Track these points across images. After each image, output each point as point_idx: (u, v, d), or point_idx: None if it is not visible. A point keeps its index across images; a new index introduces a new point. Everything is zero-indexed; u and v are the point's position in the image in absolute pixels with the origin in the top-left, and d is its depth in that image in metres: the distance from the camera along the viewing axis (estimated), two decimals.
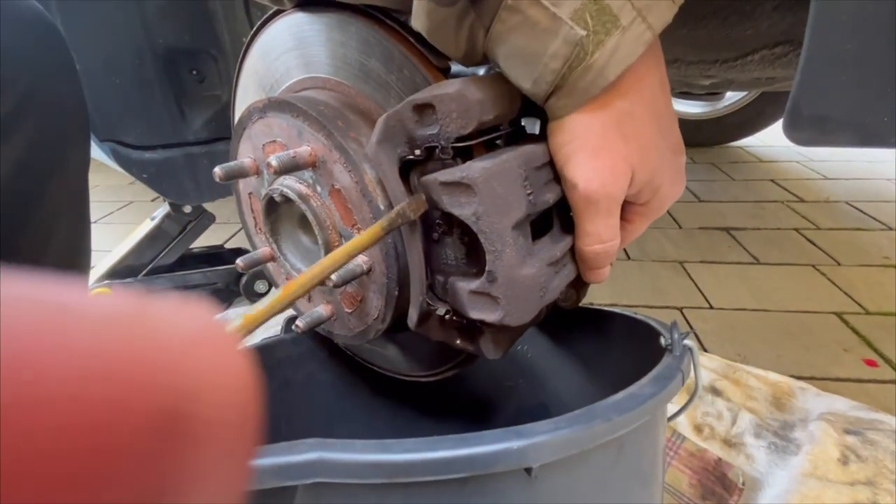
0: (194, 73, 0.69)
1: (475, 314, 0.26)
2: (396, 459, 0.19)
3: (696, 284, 0.95)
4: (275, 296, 0.22)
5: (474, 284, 0.25)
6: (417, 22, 0.24)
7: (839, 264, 1.00)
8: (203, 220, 0.88)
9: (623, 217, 0.29)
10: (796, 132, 0.36)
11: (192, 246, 0.92)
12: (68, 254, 0.42)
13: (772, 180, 1.46)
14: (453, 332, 0.31)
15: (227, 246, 1.05)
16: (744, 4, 0.48)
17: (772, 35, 0.51)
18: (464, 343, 0.30)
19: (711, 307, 0.88)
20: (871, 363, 0.74)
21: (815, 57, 0.33)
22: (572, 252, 0.29)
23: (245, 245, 1.11)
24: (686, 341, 0.27)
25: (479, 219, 0.23)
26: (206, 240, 0.96)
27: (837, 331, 0.81)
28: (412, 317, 0.29)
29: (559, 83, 0.23)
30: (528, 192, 0.24)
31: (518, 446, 0.19)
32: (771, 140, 1.78)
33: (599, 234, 0.27)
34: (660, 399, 0.21)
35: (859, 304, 0.87)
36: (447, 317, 0.30)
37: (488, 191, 0.23)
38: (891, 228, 1.14)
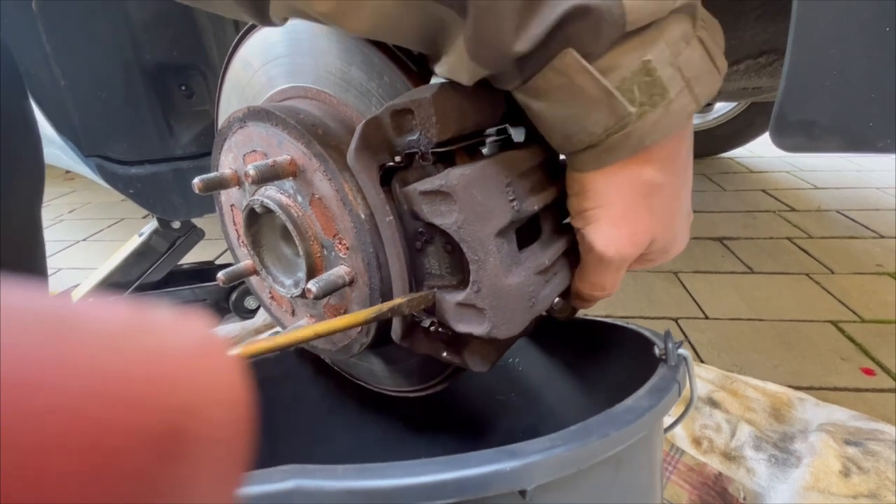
0: (183, 88, 0.69)
1: (462, 327, 0.25)
2: (380, 486, 0.17)
3: (690, 294, 0.95)
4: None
5: (460, 296, 0.24)
6: (456, 76, 0.23)
7: (833, 273, 1.00)
8: (192, 235, 0.87)
9: None
10: (783, 138, 0.36)
11: (181, 262, 0.90)
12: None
13: (763, 190, 1.47)
14: (439, 344, 0.30)
15: (218, 262, 1.04)
16: (727, 15, 0.49)
17: (756, 44, 0.51)
18: (450, 356, 0.29)
19: (707, 317, 0.87)
20: (868, 372, 0.73)
21: (799, 63, 0.33)
22: (565, 258, 0.28)
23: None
24: (680, 350, 0.26)
25: (461, 227, 0.22)
26: (196, 256, 0.95)
27: (834, 339, 0.80)
28: (396, 329, 0.28)
29: (593, 143, 0.23)
30: (511, 198, 0.24)
31: (511, 467, 0.17)
32: (760, 151, 1.80)
33: (604, 285, 0.28)
34: (657, 412, 0.20)
35: (854, 313, 0.86)
36: (432, 328, 0.29)
37: (468, 198, 0.22)
38: (882, 236, 1.15)
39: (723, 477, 0.56)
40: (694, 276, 1.01)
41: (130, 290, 0.82)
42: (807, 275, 0.99)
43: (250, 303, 0.92)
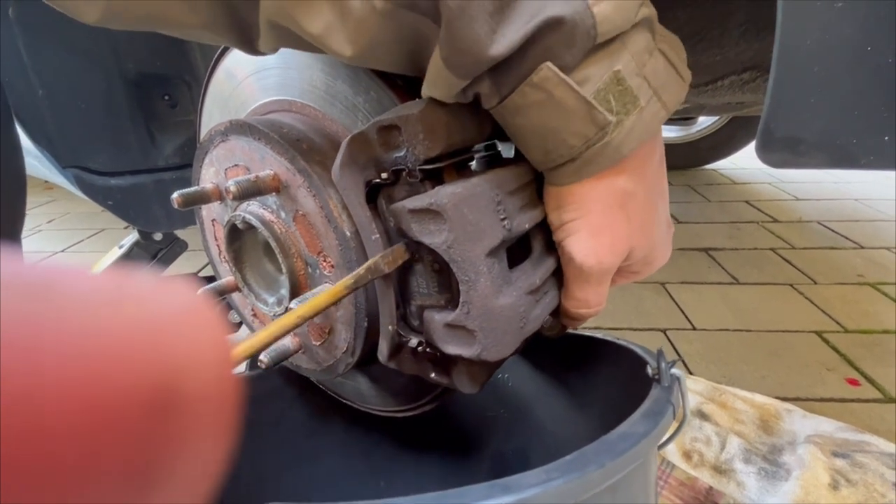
0: (166, 98, 0.67)
1: (451, 349, 0.24)
2: None
3: (678, 305, 0.95)
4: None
5: (450, 317, 0.23)
6: (435, 91, 0.22)
7: (816, 283, 1.01)
8: (175, 247, 0.85)
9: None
10: (769, 154, 0.36)
11: (163, 275, 0.88)
12: None
13: (746, 201, 1.49)
14: (427, 364, 0.29)
15: (201, 275, 1.01)
16: (711, 31, 0.49)
17: (740, 61, 0.52)
18: (438, 376, 0.28)
19: (694, 328, 0.88)
20: (853, 382, 0.74)
21: (784, 80, 0.34)
22: (554, 277, 0.27)
23: None
24: (673, 370, 0.25)
25: (451, 247, 0.22)
26: (179, 268, 0.92)
27: (819, 350, 0.81)
28: (382, 349, 0.27)
29: (573, 157, 0.23)
30: (503, 217, 0.23)
31: (507, 503, 0.16)
32: (743, 163, 1.84)
33: (587, 300, 0.28)
34: (652, 438, 0.20)
35: (838, 323, 0.88)
36: (420, 348, 0.28)
37: (458, 217, 0.21)
38: (862, 247, 1.17)
39: (714, 491, 0.55)
40: (681, 286, 1.02)
41: None
42: (791, 285, 1.01)
43: (234, 317, 0.90)
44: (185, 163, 0.71)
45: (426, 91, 0.23)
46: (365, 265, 0.24)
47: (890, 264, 1.08)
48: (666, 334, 0.86)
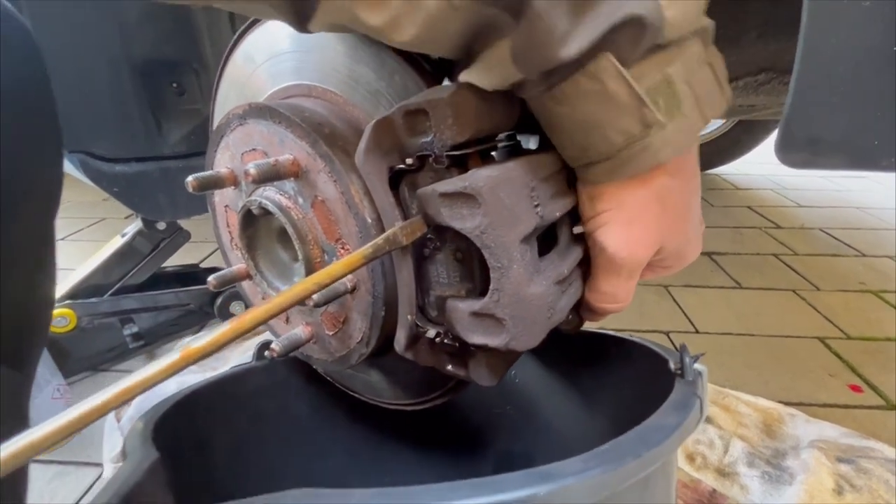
0: (174, 85, 0.67)
1: (476, 338, 0.24)
2: None
3: (681, 308, 0.95)
4: (224, 328, 0.20)
5: (477, 305, 0.23)
6: (483, 79, 0.22)
7: (818, 289, 1.01)
8: (177, 237, 0.84)
9: None
10: (789, 154, 0.36)
11: (164, 265, 0.87)
12: (20, 312, 0.32)
13: (749, 207, 1.50)
14: (444, 356, 0.28)
15: (203, 265, 1.01)
16: (728, 32, 0.49)
17: (756, 62, 0.52)
18: (455, 368, 0.28)
19: (697, 331, 0.88)
20: (856, 388, 0.74)
21: (807, 81, 0.33)
22: (578, 268, 0.27)
23: (222, 264, 1.07)
24: (696, 365, 0.25)
25: (484, 232, 0.21)
26: (181, 258, 0.92)
27: (821, 356, 0.81)
28: (400, 340, 0.27)
29: (609, 155, 0.23)
30: (536, 203, 0.23)
31: (546, 491, 0.16)
32: (746, 168, 1.84)
33: (615, 294, 0.27)
34: (684, 430, 0.20)
35: (840, 329, 0.88)
36: (437, 339, 0.27)
37: (495, 201, 0.21)
38: (864, 255, 1.17)
39: (717, 494, 0.55)
40: (684, 290, 1.02)
41: (111, 292, 0.79)
42: (793, 291, 1.01)
43: (236, 308, 0.89)
44: (192, 151, 0.70)
45: (469, 77, 0.22)
46: (383, 235, 0.23)
47: (891, 273, 1.08)
48: (669, 336, 0.86)
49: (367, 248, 0.23)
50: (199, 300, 0.87)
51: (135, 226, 0.81)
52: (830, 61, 0.32)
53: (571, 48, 0.19)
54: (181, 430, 0.33)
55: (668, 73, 0.21)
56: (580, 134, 0.22)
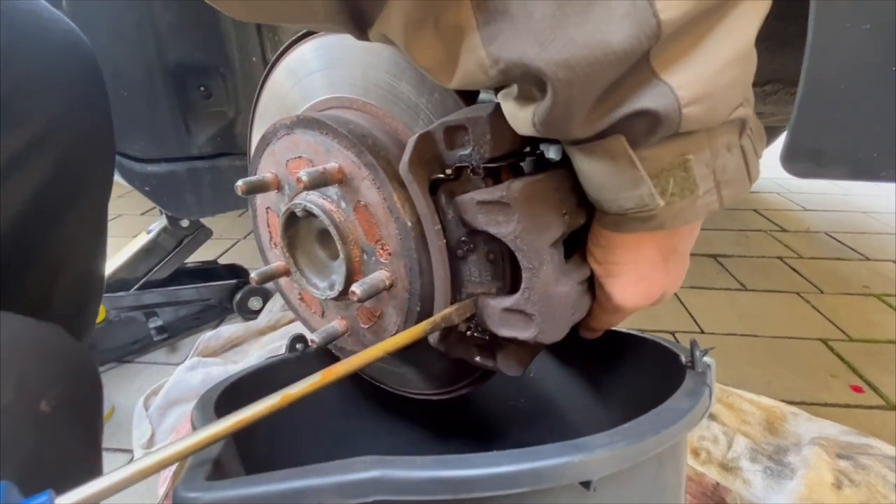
0: (202, 89, 0.69)
1: (506, 332, 0.26)
2: (462, 475, 0.19)
3: (686, 309, 0.97)
4: (315, 378, 0.25)
5: (508, 301, 0.26)
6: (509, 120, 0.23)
7: (822, 292, 1.03)
8: (200, 234, 0.87)
9: None
10: (792, 164, 0.39)
11: (185, 261, 0.90)
12: (80, 284, 0.40)
13: (755, 210, 1.51)
14: (472, 348, 0.31)
15: (221, 261, 1.04)
16: None
17: (763, 73, 0.54)
18: (483, 360, 0.31)
19: (702, 332, 0.90)
20: (857, 389, 0.76)
21: (811, 96, 0.36)
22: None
23: (238, 260, 1.10)
24: (706, 358, 0.28)
25: (518, 237, 0.24)
26: (200, 255, 0.95)
27: (824, 357, 0.83)
28: (434, 333, 0.30)
29: (619, 213, 0.24)
30: (564, 212, 0.25)
31: (579, 459, 0.19)
32: None
33: (612, 323, 0.31)
34: (696, 413, 0.22)
35: (843, 331, 0.90)
36: (468, 333, 0.30)
37: (529, 210, 0.24)
38: (868, 259, 1.19)
39: (721, 487, 0.58)
40: (690, 291, 1.04)
41: (136, 286, 0.82)
42: (797, 293, 1.03)
43: (254, 304, 0.92)
44: (217, 152, 0.73)
45: (504, 107, 0.23)
46: (441, 314, 0.27)
47: (894, 276, 1.10)
48: (675, 337, 0.88)
49: (426, 324, 0.27)
50: (220, 295, 0.90)
51: (160, 223, 0.84)
52: (833, 79, 0.35)
53: (587, 131, 0.21)
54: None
55: (687, 158, 0.22)
56: (595, 188, 0.24)
